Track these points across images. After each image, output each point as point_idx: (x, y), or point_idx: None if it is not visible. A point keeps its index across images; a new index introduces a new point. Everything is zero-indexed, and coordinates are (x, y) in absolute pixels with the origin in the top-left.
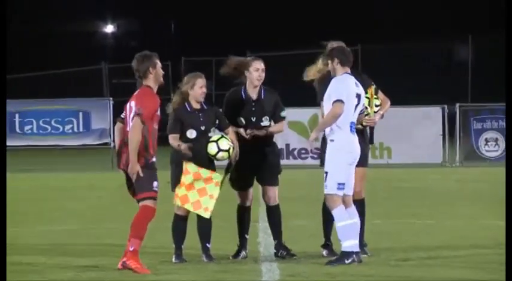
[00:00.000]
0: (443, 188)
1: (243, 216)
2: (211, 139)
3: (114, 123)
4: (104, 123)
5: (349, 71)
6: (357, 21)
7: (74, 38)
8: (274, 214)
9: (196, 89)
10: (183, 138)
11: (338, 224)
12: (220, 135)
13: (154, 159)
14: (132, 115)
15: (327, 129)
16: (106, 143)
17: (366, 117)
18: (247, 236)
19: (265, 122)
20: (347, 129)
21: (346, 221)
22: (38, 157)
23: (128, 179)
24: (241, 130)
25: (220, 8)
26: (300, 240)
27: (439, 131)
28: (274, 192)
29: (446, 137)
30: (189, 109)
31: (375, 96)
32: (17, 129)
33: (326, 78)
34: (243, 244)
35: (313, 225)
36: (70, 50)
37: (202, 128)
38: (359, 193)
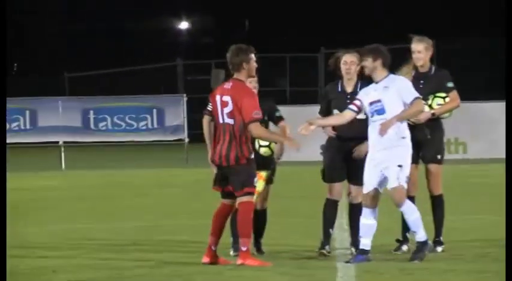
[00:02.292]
0: None
1: (331, 210)
2: None
3: (189, 119)
4: (178, 119)
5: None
6: (432, 17)
7: (149, 35)
8: (356, 212)
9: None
10: None
11: (410, 217)
12: None
13: (252, 155)
14: (229, 111)
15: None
16: (180, 139)
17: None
18: (331, 231)
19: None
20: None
21: (416, 213)
22: (113, 153)
23: (221, 174)
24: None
25: (294, 4)
26: (374, 236)
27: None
28: (358, 191)
29: None
30: None
31: (439, 95)
32: (92, 126)
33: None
34: (327, 239)
35: (386, 220)
36: (145, 47)
37: None
38: (436, 189)
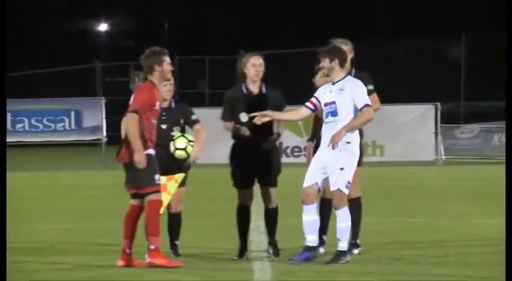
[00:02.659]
0: (435, 186)
1: (243, 215)
2: (172, 137)
3: (107, 121)
4: (96, 120)
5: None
6: (351, 20)
7: (68, 36)
8: (271, 215)
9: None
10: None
11: (342, 224)
12: (180, 134)
13: (151, 151)
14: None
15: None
16: (98, 139)
17: None
18: (248, 237)
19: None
20: (357, 131)
21: (348, 222)
22: (29, 155)
23: (127, 172)
24: (244, 129)
25: (214, 7)
26: (292, 239)
27: (432, 129)
28: (274, 192)
29: (439, 135)
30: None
31: None
32: (9, 127)
33: None
34: (244, 244)
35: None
36: (63, 48)
37: (164, 126)
38: (354, 191)
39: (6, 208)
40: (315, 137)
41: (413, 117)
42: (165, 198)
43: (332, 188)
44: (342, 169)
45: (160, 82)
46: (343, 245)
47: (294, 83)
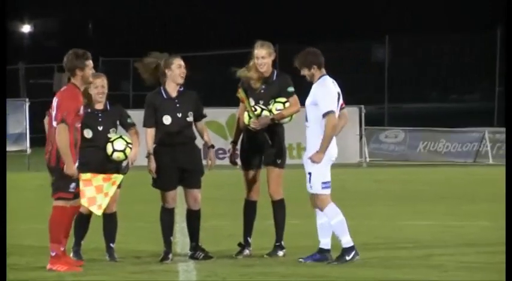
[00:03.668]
0: (359, 189)
1: (167, 218)
2: (109, 139)
3: (31, 127)
4: (20, 127)
5: (325, 72)
6: (275, 21)
7: None
8: (194, 217)
9: (93, 89)
10: (82, 137)
11: (332, 221)
12: (118, 136)
13: (74, 157)
14: (55, 116)
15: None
16: (22, 150)
17: (252, 120)
18: (172, 239)
19: (190, 117)
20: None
21: (338, 217)
22: None
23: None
24: (152, 165)
25: (138, 8)
26: (217, 241)
27: (356, 131)
28: (197, 195)
29: (363, 137)
30: (89, 110)
31: (279, 100)
32: None
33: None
34: (169, 247)
35: (231, 225)
36: None
37: (100, 128)
38: (276, 193)
39: (6, 209)
40: (238, 140)
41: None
42: (103, 199)
43: (309, 191)
44: (309, 173)
45: (82, 85)
46: (345, 241)
47: (216, 85)
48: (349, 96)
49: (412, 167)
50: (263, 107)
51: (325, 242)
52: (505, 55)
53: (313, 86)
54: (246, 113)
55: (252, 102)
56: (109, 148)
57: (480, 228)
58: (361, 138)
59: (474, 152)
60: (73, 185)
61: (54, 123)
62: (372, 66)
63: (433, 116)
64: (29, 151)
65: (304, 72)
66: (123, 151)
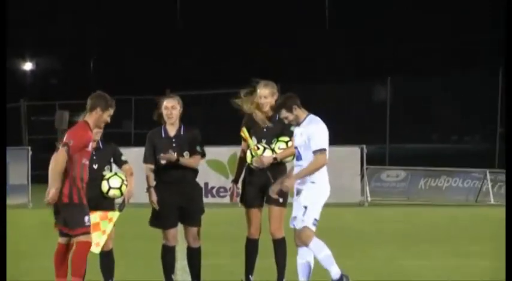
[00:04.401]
0: (360, 228)
1: (168, 256)
2: (104, 177)
3: (33, 177)
4: (21, 178)
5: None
6: (278, 61)
7: None
8: (195, 255)
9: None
10: None
11: (319, 255)
12: (113, 173)
13: (82, 193)
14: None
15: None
16: (23, 204)
17: (254, 158)
18: (173, 277)
19: (186, 157)
20: (325, 169)
21: (324, 250)
22: None
23: (57, 212)
24: (153, 196)
25: (139, 47)
26: (219, 279)
27: (357, 171)
28: (196, 232)
29: (365, 177)
30: None
31: (281, 139)
32: None
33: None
34: None
35: (233, 263)
36: None
37: (95, 166)
38: (278, 231)
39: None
40: (239, 178)
41: (339, 159)
42: (100, 237)
43: (298, 226)
44: (305, 207)
45: (94, 126)
46: (334, 272)
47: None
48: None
49: (414, 207)
50: (266, 146)
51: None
52: (505, 59)
53: (302, 125)
54: (248, 152)
55: (255, 141)
56: (105, 186)
57: (481, 268)
58: (362, 177)
59: (476, 192)
60: (87, 218)
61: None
62: (374, 107)
63: (435, 157)
64: (30, 205)
65: (287, 115)
66: (119, 188)
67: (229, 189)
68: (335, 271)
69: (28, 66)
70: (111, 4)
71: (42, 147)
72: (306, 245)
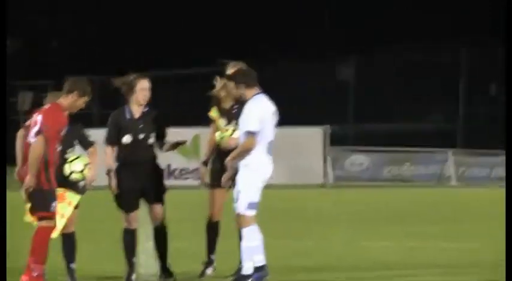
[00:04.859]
0: (321, 209)
1: (129, 239)
2: (67, 160)
3: None
4: None
5: (258, 91)
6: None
7: None
8: (161, 235)
9: None
10: None
11: (244, 243)
12: (76, 156)
13: (52, 178)
14: (35, 130)
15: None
16: None
17: (223, 140)
18: (135, 260)
19: (152, 139)
20: (262, 150)
21: (253, 243)
22: None
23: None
24: (113, 183)
25: (103, 25)
26: (182, 261)
27: (320, 152)
28: (161, 209)
29: (328, 158)
30: None
31: None
32: None
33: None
34: (132, 268)
35: (196, 246)
36: None
37: (59, 149)
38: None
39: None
40: (209, 160)
41: (303, 139)
42: (58, 221)
43: (236, 211)
44: (239, 191)
45: (67, 109)
46: (246, 268)
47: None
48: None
49: (377, 188)
50: (234, 127)
51: (255, 261)
52: (505, 56)
53: (246, 104)
54: (218, 133)
55: (224, 123)
56: (66, 169)
57: (440, 249)
58: (325, 159)
59: (438, 174)
60: (54, 204)
61: (32, 140)
62: (337, 86)
63: (397, 137)
64: None
65: (234, 91)
66: (81, 172)
67: (193, 171)
68: (247, 267)
69: None
70: None
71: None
72: (240, 228)
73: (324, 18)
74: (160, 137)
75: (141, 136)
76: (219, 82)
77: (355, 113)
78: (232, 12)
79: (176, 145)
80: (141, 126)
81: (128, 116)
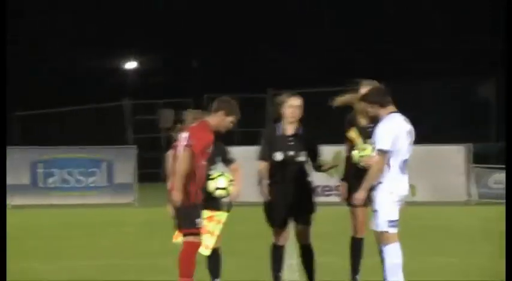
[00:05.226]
0: (466, 226)
1: (277, 254)
2: (210, 176)
3: (139, 176)
4: (127, 176)
5: (393, 110)
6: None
7: (98, 74)
8: (308, 253)
9: None
10: None
11: (388, 260)
12: (220, 173)
13: (199, 193)
14: (183, 145)
15: None
16: (129, 203)
17: (364, 158)
18: (281, 275)
19: (302, 157)
20: (396, 169)
21: (396, 260)
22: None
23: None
24: (264, 193)
25: (243, 45)
26: (326, 277)
27: (463, 170)
28: (307, 231)
29: (471, 175)
30: None
31: None
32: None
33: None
34: None
35: (340, 261)
36: (93, 87)
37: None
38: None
39: (38, 245)
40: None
41: (445, 157)
42: (209, 239)
43: (373, 228)
44: (375, 211)
45: (213, 128)
46: None
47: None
48: (456, 135)
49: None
50: (372, 145)
51: (399, 278)
52: (506, 62)
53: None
54: (355, 152)
55: (361, 141)
56: (211, 185)
57: None
58: (468, 176)
59: None
60: (198, 220)
61: (180, 154)
62: (480, 105)
63: None
64: (136, 203)
65: (367, 109)
66: (226, 189)
67: (335, 188)
68: None
69: (131, 64)
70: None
71: (147, 146)
72: (383, 245)
73: (324, 18)
74: (313, 157)
75: (291, 153)
76: (353, 97)
77: (497, 131)
78: (233, 12)
79: (330, 169)
80: (291, 143)
81: (279, 132)
